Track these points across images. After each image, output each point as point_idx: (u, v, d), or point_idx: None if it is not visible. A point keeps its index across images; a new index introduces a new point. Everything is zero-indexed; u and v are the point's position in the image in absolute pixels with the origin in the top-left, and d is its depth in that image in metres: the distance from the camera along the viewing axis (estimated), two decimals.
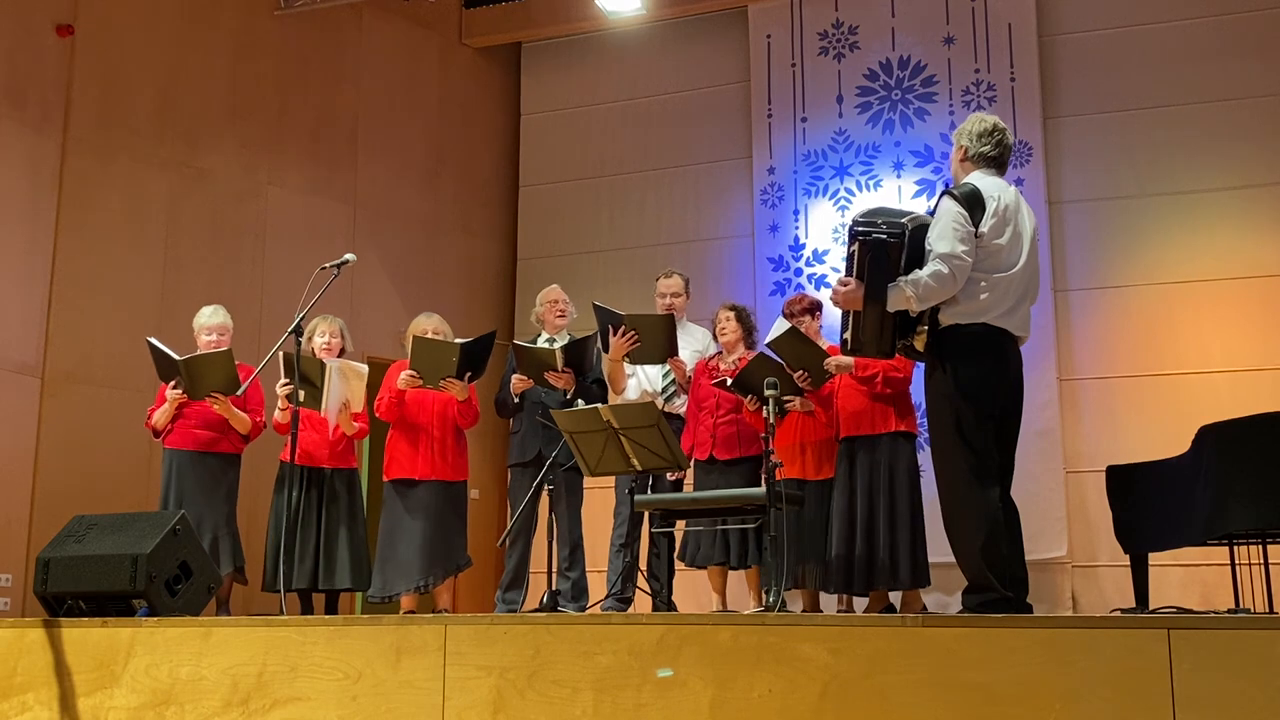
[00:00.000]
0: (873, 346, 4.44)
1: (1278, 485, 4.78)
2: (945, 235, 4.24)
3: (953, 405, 4.26)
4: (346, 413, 6.08)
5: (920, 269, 4.27)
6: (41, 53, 7.30)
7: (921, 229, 4.35)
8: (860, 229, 4.36)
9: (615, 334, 5.89)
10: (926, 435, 4.69)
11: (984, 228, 4.26)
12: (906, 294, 4.24)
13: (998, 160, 4.46)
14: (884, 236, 4.31)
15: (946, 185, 4.40)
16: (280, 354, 5.78)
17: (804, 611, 5.85)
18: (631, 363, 6.07)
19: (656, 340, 5.92)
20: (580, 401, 5.65)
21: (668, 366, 6.16)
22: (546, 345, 6.11)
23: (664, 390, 6.23)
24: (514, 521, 5.97)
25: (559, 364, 5.92)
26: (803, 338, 5.71)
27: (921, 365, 4.60)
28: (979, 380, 4.26)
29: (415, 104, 9.04)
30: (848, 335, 4.45)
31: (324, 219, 8.39)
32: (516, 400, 6.15)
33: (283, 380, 5.99)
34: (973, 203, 4.27)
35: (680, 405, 6.21)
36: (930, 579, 5.59)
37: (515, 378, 6.10)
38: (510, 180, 9.40)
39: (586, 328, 6.29)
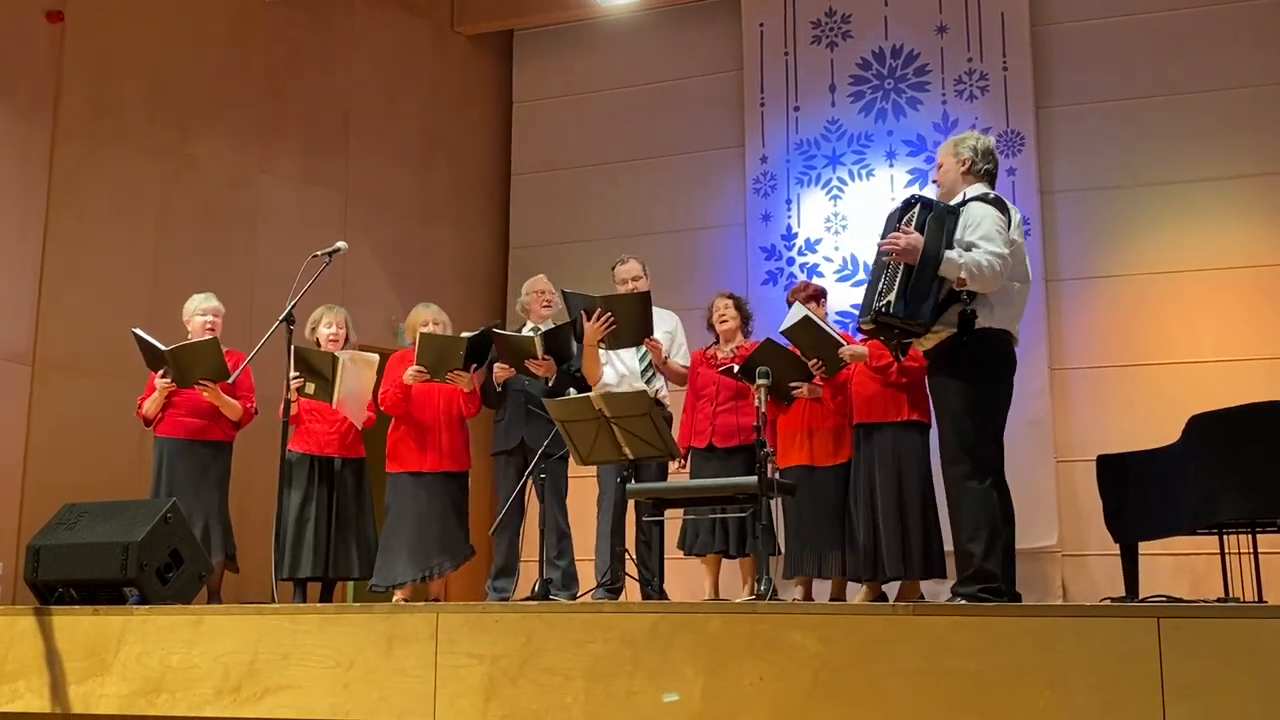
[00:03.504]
0: (915, 307, 4.28)
1: (1267, 475, 4.81)
2: (994, 236, 4.33)
3: (969, 404, 4.35)
4: (362, 403, 6.08)
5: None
6: (31, 40, 7.26)
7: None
8: (917, 197, 4.51)
9: (590, 319, 5.81)
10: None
11: (1013, 234, 4.41)
12: (959, 262, 4.27)
13: (993, 176, 4.64)
14: (945, 205, 4.45)
15: (983, 195, 4.45)
16: (291, 348, 5.78)
17: (798, 600, 5.86)
18: (608, 348, 5.97)
19: (633, 321, 5.79)
20: (571, 390, 5.64)
21: (644, 348, 6.09)
22: (529, 333, 6.10)
23: (642, 373, 6.15)
24: (502, 510, 5.96)
25: (539, 352, 5.89)
26: (817, 325, 5.69)
27: None
28: (1002, 386, 4.42)
29: (407, 92, 9.00)
30: (891, 297, 4.29)
31: (316, 207, 8.36)
32: (500, 389, 6.14)
33: (293, 374, 5.97)
34: (1003, 210, 4.43)
35: (658, 388, 6.11)
36: (945, 570, 5.55)
37: (497, 366, 6.08)
38: (502, 168, 9.37)
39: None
